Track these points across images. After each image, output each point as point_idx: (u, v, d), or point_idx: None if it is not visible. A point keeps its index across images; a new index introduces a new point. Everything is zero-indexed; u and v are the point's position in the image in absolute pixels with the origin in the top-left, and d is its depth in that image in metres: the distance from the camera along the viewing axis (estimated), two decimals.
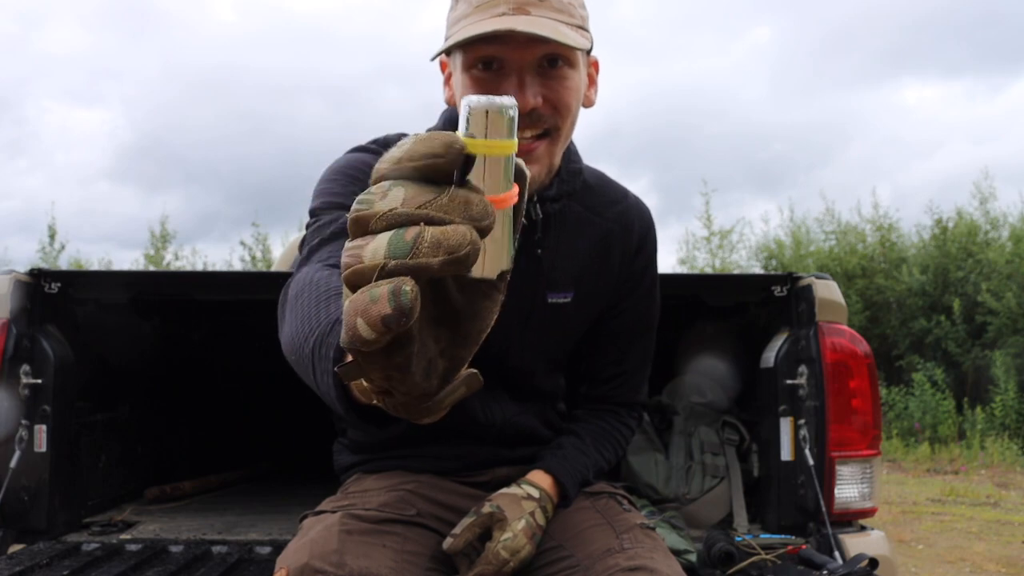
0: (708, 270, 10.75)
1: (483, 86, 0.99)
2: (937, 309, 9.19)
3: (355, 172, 1.02)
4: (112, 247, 27.81)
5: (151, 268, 10.32)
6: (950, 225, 9.81)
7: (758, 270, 10.75)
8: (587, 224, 1.15)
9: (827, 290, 1.66)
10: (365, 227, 0.46)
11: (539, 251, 1.10)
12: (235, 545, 1.59)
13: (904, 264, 9.66)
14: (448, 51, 1.03)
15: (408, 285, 0.44)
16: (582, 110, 1.07)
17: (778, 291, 1.70)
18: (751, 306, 1.87)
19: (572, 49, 0.98)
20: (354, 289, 0.46)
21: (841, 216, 10.77)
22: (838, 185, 21.14)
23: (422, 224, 0.45)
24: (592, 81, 1.10)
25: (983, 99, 23.38)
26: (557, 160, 1.06)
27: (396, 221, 0.45)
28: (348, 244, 0.46)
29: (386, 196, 0.46)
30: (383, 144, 1.08)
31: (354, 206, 0.46)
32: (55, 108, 27.90)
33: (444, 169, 0.46)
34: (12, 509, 1.55)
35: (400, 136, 1.09)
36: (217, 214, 23.24)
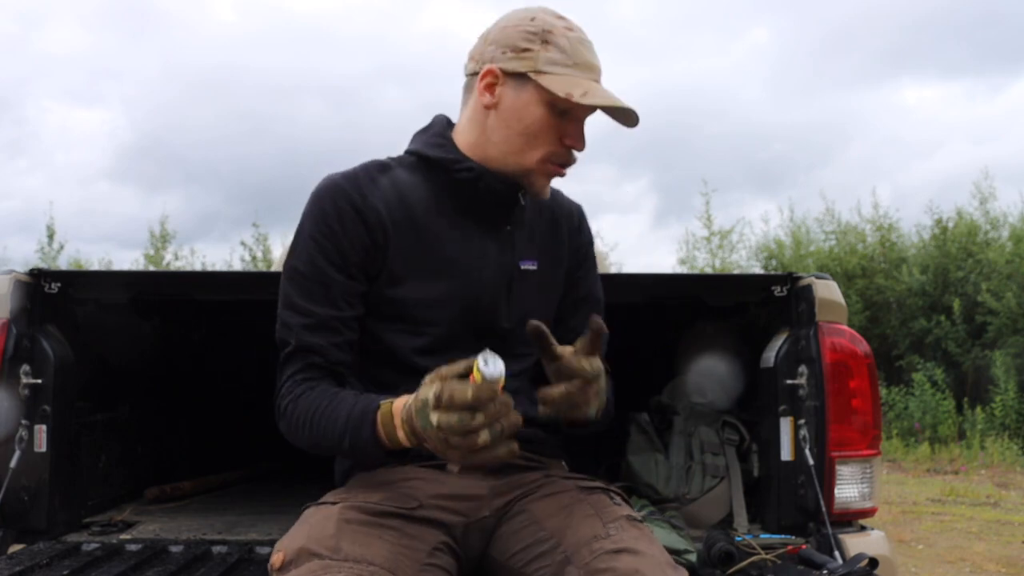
0: (708, 270, 10.75)
1: (555, 121, 1.19)
2: (937, 309, 9.19)
3: (329, 229, 1.19)
4: (112, 247, 27.77)
5: (151, 268, 10.32)
6: (950, 225, 9.81)
7: (758, 270, 10.75)
8: (536, 209, 1.34)
9: (827, 290, 1.66)
10: (472, 437, 0.93)
11: (508, 227, 1.28)
12: (235, 545, 1.59)
13: (904, 264, 9.66)
14: (517, 73, 1.19)
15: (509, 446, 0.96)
16: None
17: (778, 291, 1.70)
18: (751, 306, 1.87)
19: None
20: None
21: (841, 216, 10.78)
22: (838, 185, 21.13)
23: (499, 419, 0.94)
24: None
25: (983, 99, 23.33)
26: None
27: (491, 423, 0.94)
28: (459, 432, 0.93)
29: (475, 417, 0.93)
30: (362, 170, 1.24)
31: (455, 426, 0.93)
32: (55, 108, 27.84)
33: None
34: (12, 509, 1.55)
35: (376, 163, 1.26)
36: (217, 214, 23.22)
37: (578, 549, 1.05)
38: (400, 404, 1.04)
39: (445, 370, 0.97)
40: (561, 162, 1.21)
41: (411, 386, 1.20)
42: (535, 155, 1.19)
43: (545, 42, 1.17)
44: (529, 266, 1.29)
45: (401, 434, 1.03)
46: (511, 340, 1.27)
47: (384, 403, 1.06)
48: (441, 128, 1.29)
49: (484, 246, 1.25)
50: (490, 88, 1.20)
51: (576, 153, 1.23)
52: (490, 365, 0.93)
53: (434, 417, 0.93)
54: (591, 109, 1.18)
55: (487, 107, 1.21)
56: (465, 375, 0.95)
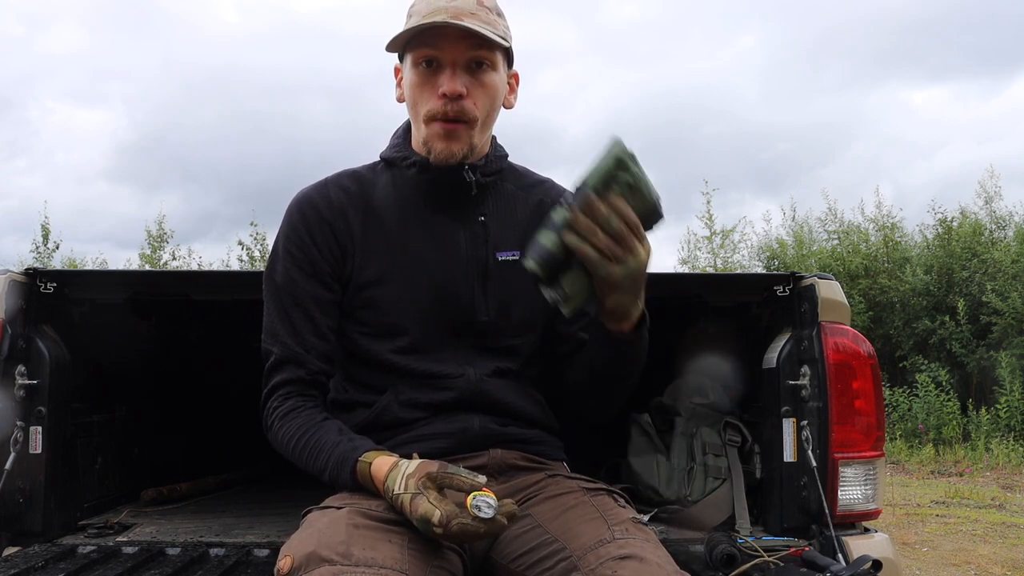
0: (710, 270, 10.72)
1: (425, 79, 1.21)
2: (941, 309, 9.15)
3: (301, 241, 1.24)
4: (110, 247, 27.79)
5: (147, 268, 10.33)
6: (955, 224, 9.77)
7: (760, 270, 10.71)
8: (519, 198, 1.35)
9: (830, 290, 1.64)
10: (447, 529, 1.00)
11: (481, 217, 1.28)
12: (232, 547, 1.58)
13: (908, 264, 9.62)
14: (401, 55, 1.26)
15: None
16: (505, 111, 1.32)
17: (780, 291, 1.69)
18: (753, 306, 1.85)
19: (491, 50, 1.20)
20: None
21: (844, 216, 10.74)
22: (840, 185, 21.17)
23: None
24: (512, 89, 1.33)
25: (983, 99, 23.32)
26: (477, 142, 1.26)
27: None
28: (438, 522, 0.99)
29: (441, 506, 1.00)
30: (333, 179, 1.29)
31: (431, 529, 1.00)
32: (57, 108, 27.95)
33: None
34: (7, 511, 1.54)
35: (348, 171, 1.31)
36: (216, 214, 23.30)
37: (584, 554, 1.04)
38: (382, 470, 1.09)
39: (439, 476, 1.02)
40: (440, 115, 1.20)
41: (396, 387, 1.24)
42: (420, 118, 1.22)
43: (408, 16, 1.22)
44: (508, 256, 1.29)
45: (381, 494, 1.09)
46: (491, 334, 1.28)
47: (363, 460, 1.11)
48: (402, 129, 1.34)
49: (454, 239, 1.27)
50: (400, 83, 1.29)
51: (468, 105, 1.20)
52: (483, 511, 0.99)
53: (438, 532, 1.00)
54: (453, 50, 1.18)
55: (400, 100, 1.29)
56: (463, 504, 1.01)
